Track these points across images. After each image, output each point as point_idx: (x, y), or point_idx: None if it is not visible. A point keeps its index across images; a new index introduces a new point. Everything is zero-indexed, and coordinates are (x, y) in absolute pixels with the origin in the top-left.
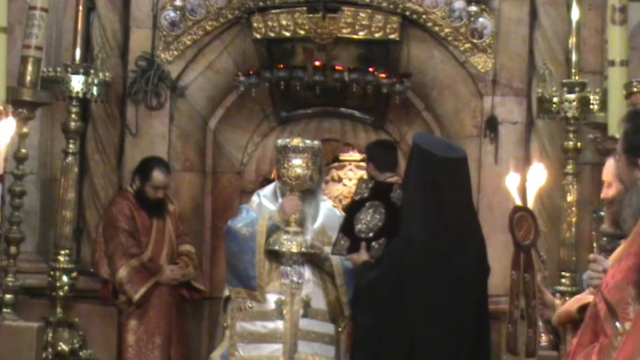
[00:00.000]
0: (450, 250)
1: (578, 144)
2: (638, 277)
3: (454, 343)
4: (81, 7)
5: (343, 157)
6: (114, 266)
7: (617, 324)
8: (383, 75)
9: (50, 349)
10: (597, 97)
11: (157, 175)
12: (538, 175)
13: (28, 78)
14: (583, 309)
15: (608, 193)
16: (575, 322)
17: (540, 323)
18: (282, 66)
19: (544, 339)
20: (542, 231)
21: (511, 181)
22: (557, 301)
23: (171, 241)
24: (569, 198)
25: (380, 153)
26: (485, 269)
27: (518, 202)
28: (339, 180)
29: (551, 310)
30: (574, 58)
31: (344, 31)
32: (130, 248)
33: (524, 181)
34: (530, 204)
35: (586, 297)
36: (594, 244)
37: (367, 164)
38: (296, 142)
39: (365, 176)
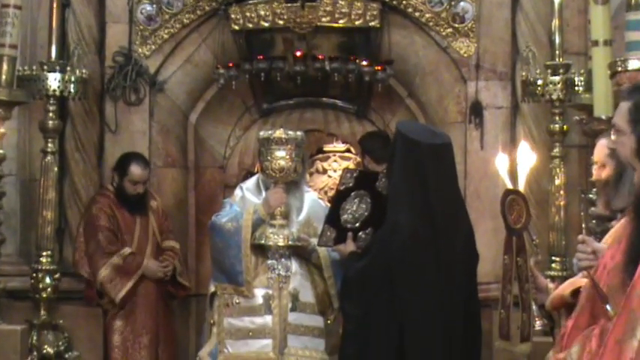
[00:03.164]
0: (438, 236)
1: (564, 126)
2: (626, 258)
3: (445, 330)
4: (55, 4)
5: (327, 147)
6: (95, 266)
7: (608, 307)
8: (364, 63)
9: (35, 352)
10: (582, 79)
11: (135, 170)
12: (527, 156)
13: (4, 77)
14: (576, 292)
15: (601, 174)
16: (569, 305)
17: (534, 307)
18: (261, 57)
19: (538, 323)
20: (533, 214)
21: (500, 162)
22: (551, 285)
23: (155, 238)
24: (557, 181)
25: (376, 144)
26: (473, 256)
27: (509, 186)
28: (324, 171)
29: (544, 294)
30: (557, 39)
31: (323, 19)
32: (109, 246)
33: (512, 163)
34: (521, 187)
35: (579, 280)
36: (583, 226)
37: (363, 158)
38: (279, 133)
39: (350, 166)
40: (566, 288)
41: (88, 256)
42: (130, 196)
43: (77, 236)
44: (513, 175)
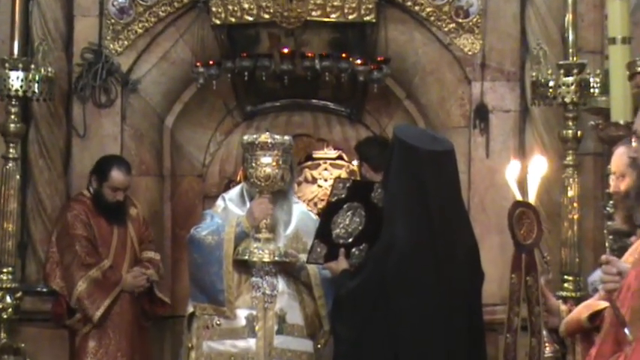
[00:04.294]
0: (438, 254)
1: (578, 132)
2: None
3: (445, 357)
4: None
5: (317, 154)
6: (71, 280)
7: (626, 331)
8: (359, 61)
9: None
10: (598, 80)
11: (116, 175)
12: (539, 166)
13: None
14: (594, 317)
15: (620, 185)
16: (585, 331)
17: (544, 332)
18: (245, 55)
19: (549, 349)
20: (545, 229)
21: (511, 172)
22: (563, 307)
23: (134, 249)
24: (570, 193)
25: (374, 151)
26: (478, 275)
27: (519, 197)
28: (314, 181)
29: (556, 318)
30: (571, 36)
31: (314, 13)
32: (87, 258)
33: (522, 174)
34: (532, 198)
35: (597, 303)
36: (606, 244)
37: (360, 165)
38: (264, 137)
39: (343, 175)
40: (582, 312)
41: (63, 268)
42: (108, 203)
43: (49, 246)
44: (522, 185)
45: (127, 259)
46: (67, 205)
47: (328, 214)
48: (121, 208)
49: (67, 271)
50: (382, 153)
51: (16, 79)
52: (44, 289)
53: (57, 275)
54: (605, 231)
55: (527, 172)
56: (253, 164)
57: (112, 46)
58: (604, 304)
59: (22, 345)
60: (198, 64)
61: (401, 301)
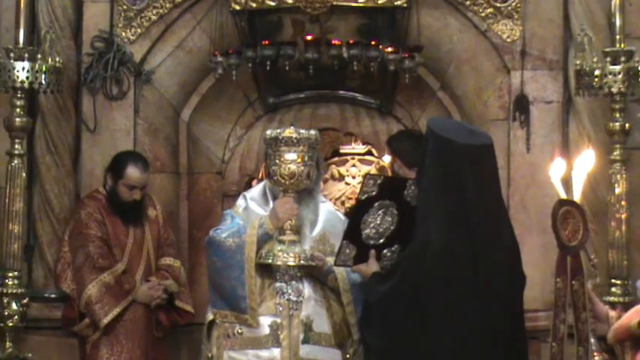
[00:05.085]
0: (476, 255)
1: (626, 125)
2: None
3: None
4: None
5: (344, 149)
6: (82, 282)
7: None
8: (389, 49)
9: None
10: None
11: (132, 172)
12: (587, 162)
13: None
14: None
15: None
16: (635, 338)
17: (592, 340)
18: (267, 42)
19: (597, 359)
20: (592, 230)
21: (555, 170)
22: (612, 313)
23: (149, 254)
24: (618, 190)
25: (407, 146)
26: (519, 278)
27: (563, 195)
28: (341, 178)
29: (604, 324)
30: (618, 21)
31: None
32: (101, 260)
33: (567, 170)
34: (577, 196)
35: None
36: None
37: (393, 161)
38: (288, 132)
39: (372, 171)
40: (631, 317)
41: (75, 269)
42: (124, 202)
43: (60, 245)
44: (566, 182)
45: (142, 264)
46: (81, 203)
47: (358, 213)
48: (139, 208)
49: (79, 273)
50: (416, 148)
51: (21, 70)
52: (52, 295)
53: (68, 277)
54: None
55: (571, 168)
56: (277, 161)
57: (124, 34)
58: None
59: (29, 355)
60: (216, 53)
61: (436, 306)
